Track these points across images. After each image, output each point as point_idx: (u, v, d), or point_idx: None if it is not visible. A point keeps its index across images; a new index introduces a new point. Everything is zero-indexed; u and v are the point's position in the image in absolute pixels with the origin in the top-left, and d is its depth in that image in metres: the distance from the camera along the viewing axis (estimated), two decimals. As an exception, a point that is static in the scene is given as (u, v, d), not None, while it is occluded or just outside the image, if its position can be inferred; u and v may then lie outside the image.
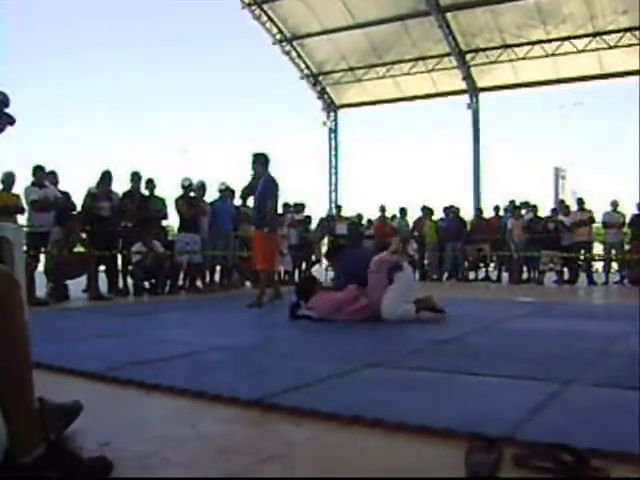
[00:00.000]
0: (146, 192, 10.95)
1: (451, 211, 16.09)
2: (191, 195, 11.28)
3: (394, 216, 17.00)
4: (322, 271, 15.18)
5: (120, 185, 10.73)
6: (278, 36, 21.78)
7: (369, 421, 2.43)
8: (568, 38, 18.92)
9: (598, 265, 15.97)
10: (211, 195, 12.04)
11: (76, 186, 10.29)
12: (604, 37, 18.52)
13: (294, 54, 22.51)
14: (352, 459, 2.13)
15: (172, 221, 12.20)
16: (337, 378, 3.30)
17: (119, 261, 10.47)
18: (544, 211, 15.32)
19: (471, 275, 16.02)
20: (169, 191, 11.59)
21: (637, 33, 18.07)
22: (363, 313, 6.23)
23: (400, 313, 6.13)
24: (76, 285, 9.55)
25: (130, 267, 10.40)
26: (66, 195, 9.73)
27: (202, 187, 11.60)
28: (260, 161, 8.33)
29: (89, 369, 3.46)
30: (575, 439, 2.10)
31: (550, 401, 2.78)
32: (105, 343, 4.73)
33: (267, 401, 2.74)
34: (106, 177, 10.28)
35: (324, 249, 16.73)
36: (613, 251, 14.42)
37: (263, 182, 8.21)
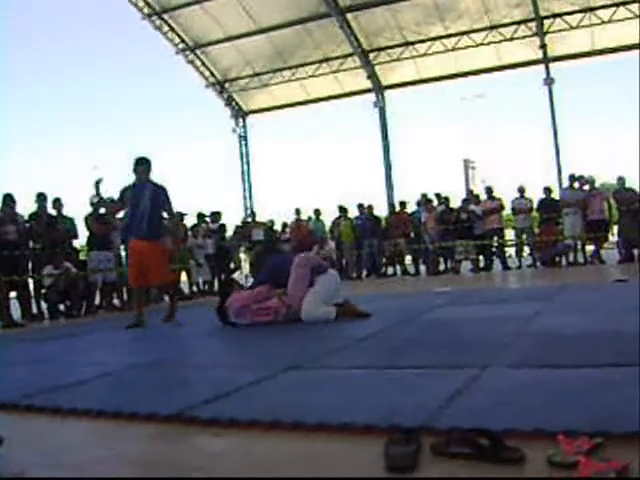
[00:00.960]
0: (53, 212, 10.63)
1: (365, 209, 16.27)
2: (101, 212, 11.00)
3: (310, 218, 17.06)
4: (242, 278, 15.12)
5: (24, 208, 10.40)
6: (181, 45, 21.51)
7: (288, 424, 2.42)
8: (466, 32, 19.41)
9: (511, 250, 16.41)
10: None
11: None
12: (500, 30, 19.09)
13: (198, 62, 22.29)
14: (272, 464, 2.11)
15: (82, 240, 11.92)
16: (256, 385, 3.27)
17: (30, 285, 10.13)
18: (457, 202, 15.67)
19: (389, 270, 16.22)
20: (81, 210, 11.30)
21: (531, 25, 18.70)
22: (275, 313, 6.21)
23: (319, 315, 6.09)
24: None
25: (43, 290, 10.07)
26: None
27: (111, 202, 11.30)
28: (147, 167, 7.50)
29: (1, 399, 3.32)
30: (491, 422, 2.15)
31: (467, 387, 2.83)
32: (18, 371, 4.55)
33: (185, 414, 2.69)
34: (7, 200, 9.90)
35: (243, 256, 16.69)
36: (524, 236, 14.86)
37: (154, 189, 7.45)
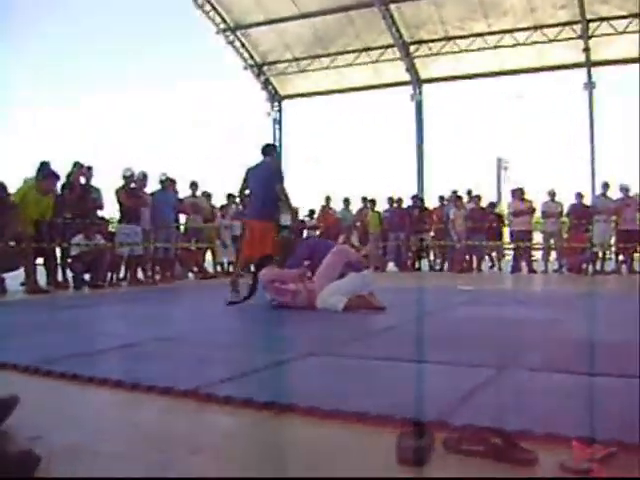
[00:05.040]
0: (82, 180, 10.73)
1: (394, 202, 16.23)
2: (132, 186, 11.10)
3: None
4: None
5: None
6: (222, 25, 21.56)
7: (303, 409, 2.43)
8: (509, 31, 19.21)
9: (538, 254, 16.29)
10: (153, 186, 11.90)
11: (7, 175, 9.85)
12: (544, 30, 18.86)
13: (238, 44, 22.33)
14: (284, 447, 2.13)
15: (110, 212, 12.04)
16: (274, 367, 3.29)
17: (58, 253, 10.24)
18: (489, 199, 15.61)
19: (414, 265, 16.18)
20: (108, 181, 11.42)
21: (576, 27, 18.46)
22: (292, 296, 6.22)
23: (330, 303, 6.06)
24: (14, 278, 9.31)
25: (69, 259, 10.18)
26: (0, 185, 9.38)
27: (143, 177, 11.42)
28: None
29: (23, 362, 3.37)
30: (506, 422, 2.14)
31: (484, 386, 2.83)
32: (41, 336, 4.61)
33: (202, 391, 2.72)
34: (44, 167, 10.00)
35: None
36: (552, 240, 14.72)
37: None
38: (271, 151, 8.25)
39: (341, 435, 2.22)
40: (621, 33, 18.05)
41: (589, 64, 19.04)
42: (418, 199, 16.87)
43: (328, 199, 16.79)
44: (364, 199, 16.71)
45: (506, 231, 15.58)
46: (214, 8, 21.02)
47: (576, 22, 18.34)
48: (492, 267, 14.93)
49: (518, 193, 14.80)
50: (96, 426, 2.36)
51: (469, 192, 15.78)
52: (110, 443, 2.15)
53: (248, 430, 2.35)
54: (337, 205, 17.13)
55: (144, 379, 2.93)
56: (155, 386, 2.81)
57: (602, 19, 18.11)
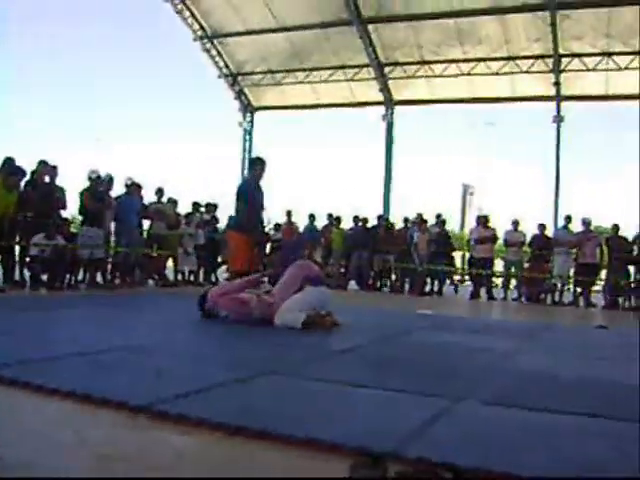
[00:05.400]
0: (47, 179, 10.57)
1: (360, 220, 16.29)
2: (97, 188, 10.97)
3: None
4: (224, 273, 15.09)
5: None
6: (199, 32, 21.53)
7: (256, 432, 2.41)
8: (484, 59, 19.51)
9: (498, 281, 16.46)
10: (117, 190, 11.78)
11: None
12: (517, 62, 19.18)
13: (214, 52, 22.30)
14: (235, 472, 2.10)
15: (71, 212, 11.89)
16: (230, 385, 3.26)
17: (17, 251, 10.06)
18: (452, 225, 15.75)
19: (376, 285, 16.22)
20: (72, 182, 11.28)
21: (548, 61, 18.80)
22: (246, 308, 6.17)
23: (287, 319, 5.98)
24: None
25: (28, 258, 10.01)
26: None
27: (109, 181, 11.31)
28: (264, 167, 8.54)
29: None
30: (460, 457, 2.14)
31: (439, 418, 2.82)
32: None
33: (156, 408, 2.67)
34: (8, 163, 9.85)
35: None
36: (513, 268, 14.88)
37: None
38: (252, 165, 8.48)
39: (293, 460, 2.20)
40: (591, 70, 18.43)
41: (559, 98, 19.39)
42: (383, 219, 16.95)
43: (289, 213, 16.74)
44: (329, 215, 16.76)
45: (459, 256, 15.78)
46: (192, 15, 20.99)
47: (549, 56, 18.69)
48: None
49: (482, 220, 14.96)
50: (42, 439, 2.30)
51: (438, 216, 15.91)
52: (55, 459, 2.09)
53: (199, 451, 2.32)
54: (302, 220, 17.14)
55: (97, 391, 2.88)
56: (109, 400, 2.76)
57: (574, 55, 18.49)
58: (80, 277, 11.21)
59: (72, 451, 2.19)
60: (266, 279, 6.76)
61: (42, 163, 10.47)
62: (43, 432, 2.40)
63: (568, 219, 14.36)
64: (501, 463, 2.13)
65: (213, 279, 14.54)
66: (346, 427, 2.56)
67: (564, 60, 18.65)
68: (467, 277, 16.50)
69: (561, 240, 14.10)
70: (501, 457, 2.23)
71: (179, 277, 13.78)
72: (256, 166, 8.58)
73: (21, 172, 9.67)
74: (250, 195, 8.36)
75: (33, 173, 10.39)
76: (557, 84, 18.96)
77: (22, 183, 10.00)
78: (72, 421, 2.55)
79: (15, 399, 2.89)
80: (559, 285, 14.29)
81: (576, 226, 14.17)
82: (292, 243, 7.56)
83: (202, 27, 21.39)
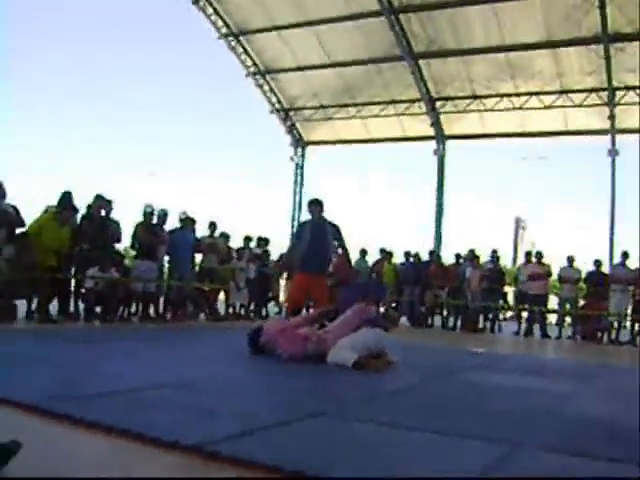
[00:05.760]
0: (102, 213, 10.76)
1: (411, 256, 16.20)
2: (152, 222, 11.13)
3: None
4: (276, 307, 15.09)
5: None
6: (252, 69, 21.87)
7: (309, 477, 2.35)
8: (536, 93, 19.34)
9: (552, 318, 16.14)
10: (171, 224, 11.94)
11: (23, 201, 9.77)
12: (570, 95, 18.96)
13: (267, 88, 22.60)
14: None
15: (125, 245, 12.04)
16: (283, 426, 3.21)
17: (72, 284, 10.23)
18: (505, 260, 15.57)
19: (428, 321, 16.04)
20: (126, 216, 11.47)
21: (602, 94, 18.55)
22: (303, 344, 6.11)
23: (339, 358, 5.91)
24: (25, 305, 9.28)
25: (83, 291, 10.17)
26: (15, 209, 9.28)
27: (164, 215, 11.48)
28: (321, 207, 8.67)
29: (24, 400, 3.31)
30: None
31: (499, 466, 2.72)
32: (48, 372, 4.54)
33: (207, 448, 2.64)
34: (66, 198, 10.07)
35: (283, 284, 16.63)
36: (568, 306, 14.57)
37: (331, 227, 8.60)
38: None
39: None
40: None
41: (614, 131, 19.08)
42: (435, 255, 16.81)
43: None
44: (382, 250, 16.66)
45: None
46: (246, 51, 21.34)
47: (602, 89, 18.43)
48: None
49: (537, 256, 14.73)
50: (92, 477, 2.28)
51: (494, 251, 15.71)
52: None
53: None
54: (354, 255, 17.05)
55: (146, 429, 2.85)
56: (159, 438, 2.74)
57: (628, 87, 18.20)
58: (133, 310, 11.33)
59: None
60: (325, 317, 6.72)
61: (98, 197, 10.67)
62: (91, 470, 2.38)
63: (625, 255, 14.02)
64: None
65: (263, 313, 14.56)
66: (400, 474, 2.49)
67: (618, 93, 18.36)
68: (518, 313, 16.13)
69: (618, 277, 13.77)
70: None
71: (230, 311, 13.83)
72: (309, 206, 8.76)
73: (74, 209, 9.87)
74: (298, 234, 8.78)
75: (89, 207, 10.59)
76: (611, 117, 18.65)
77: (78, 217, 10.21)
78: (122, 460, 2.53)
79: (64, 435, 2.88)
80: (616, 323, 13.93)
81: (634, 262, 13.83)
82: (357, 286, 7.55)
83: (255, 63, 21.72)
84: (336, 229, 8.62)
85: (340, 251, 8.82)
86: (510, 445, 3.08)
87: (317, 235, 8.52)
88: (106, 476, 2.29)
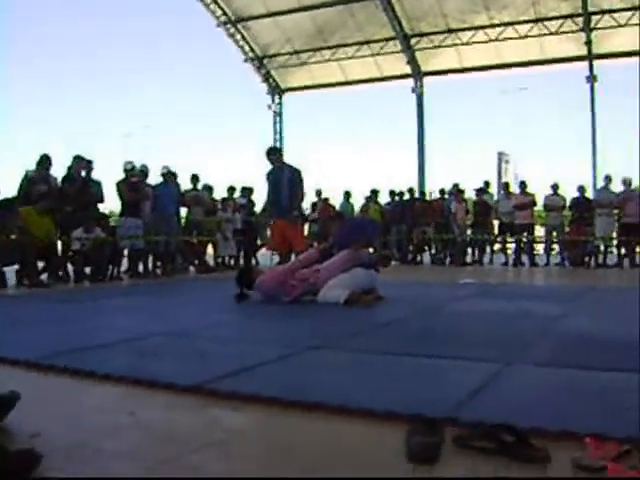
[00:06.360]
0: (83, 174, 10.66)
1: (396, 195, 16.20)
2: (133, 179, 11.05)
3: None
4: (267, 256, 15.10)
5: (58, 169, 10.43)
6: (222, 18, 21.48)
7: (309, 404, 2.40)
8: (511, 24, 19.14)
9: (540, 247, 16.25)
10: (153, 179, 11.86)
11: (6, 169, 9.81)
12: (545, 23, 18.78)
13: (238, 36, 22.24)
14: (291, 443, 2.09)
15: (110, 205, 11.99)
16: (278, 362, 3.26)
17: (59, 247, 10.18)
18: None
19: (416, 258, 16.14)
20: (108, 174, 11.37)
21: (577, 20, 18.38)
22: (302, 286, 6.18)
23: (329, 297, 6.01)
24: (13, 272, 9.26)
25: (70, 253, 10.13)
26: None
27: (144, 171, 11.39)
28: (278, 154, 8.96)
29: (23, 357, 3.33)
30: (517, 419, 2.10)
31: (492, 381, 2.79)
32: (42, 331, 4.56)
33: (206, 387, 2.68)
34: (44, 160, 9.96)
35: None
36: (554, 233, 14.66)
37: (289, 173, 8.65)
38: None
39: (348, 432, 2.19)
40: (623, 26, 17.95)
41: (591, 57, 18.98)
42: (419, 192, 16.83)
43: (319, 192, 16.62)
44: (372, 191, 16.60)
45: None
46: (215, 1, 20.93)
47: (578, 15, 18.26)
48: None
49: (522, 186, 14.77)
50: (98, 423, 2.31)
51: (487, 183, 15.85)
52: (112, 441, 2.10)
53: (254, 426, 2.32)
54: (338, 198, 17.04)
55: (147, 374, 2.90)
56: (158, 381, 2.78)
57: (604, 12, 18.03)
58: (123, 268, 11.31)
59: (125, 433, 2.19)
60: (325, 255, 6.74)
61: (77, 158, 10.56)
62: (96, 416, 2.42)
63: (608, 179, 14.03)
64: (560, 422, 2.10)
65: (254, 262, 14.58)
66: (399, 395, 2.54)
67: (594, 18, 18.19)
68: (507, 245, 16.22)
69: (602, 201, 13.81)
70: (557, 417, 2.19)
71: (219, 262, 13.84)
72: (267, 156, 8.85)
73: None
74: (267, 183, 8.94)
75: (69, 169, 10.50)
76: (588, 43, 18.51)
77: (59, 179, 10.16)
78: (125, 404, 2.56)
79: (67, 386, 2.92)
80: (602, 247, 14.05)
81: (617, 186, 13.88)
82: (352, 224, 7.58)
83: (225, 13, 21.31)
84: (297, 173, 8.71)
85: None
86: (503, 364, 3.14)
87: (276, 182, 8.68)
88: (110, 421, 2.32)
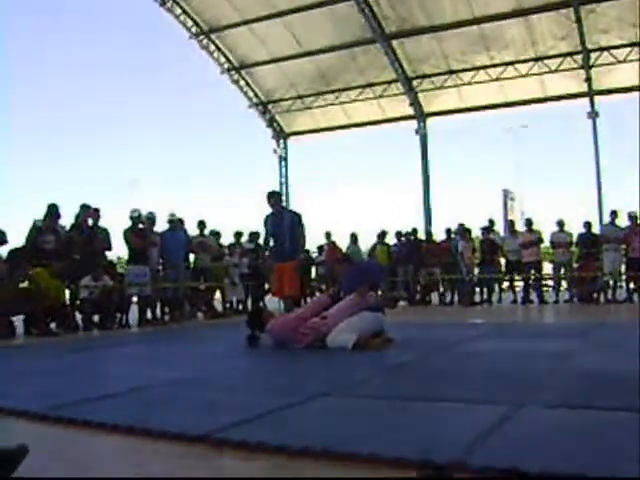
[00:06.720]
0: (90, 222, 10.74)
1: (403, 235, 16.22)
2: (140, 226, 11.12)
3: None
4: (275, 300, 15.08)
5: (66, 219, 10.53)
6: (226, 65, 21.78)
7: (317, 452, 2.38)
8: (511, 63, 19.33)
9: (549, 284, 16.20)
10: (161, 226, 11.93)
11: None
12: (546, 61, 18.97)
13: (242, 83, 22.53)
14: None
15: (118, 253, 12.05)
16: (287, 410, 3.23)
17: (67, 296, 10.22)
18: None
19: (424, 299, 16.09)
20: (116, 223, 11.45)
21: (577, 57, 18.56)
22: (312, 334, 6.17)
23: (338, 342, 5.97)
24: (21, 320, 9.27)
25: (78, 302, 10.16)
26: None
27: (151, 218, 11.47)
28: (279, 198, 9.10)
29: (30, 409, 3.33)
30: (526, 462, 2.08)
31: (501, 425, 2.76)
32: (50, 381, 4.56)
33: (214, 436, 2.66)
34: (52, 210, 10.06)
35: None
36: (562, 270, 14.63)
37: (289, 217, 8.83)
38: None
39: (357, 477, 2.17)
40: (622, 62, 18.13)
41: (591, 93, 19.11)
42: (426, 233, 16.85)
43: (329, 235, 16.69)
44: (380, 233, 16.61)
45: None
46: (218, 48, 21.25)
47: (577, 52, 18.45)
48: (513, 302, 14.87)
49: (527, 224, 14.79)
50: (106, 475, 2.30)
51: (491, 221, 15.82)
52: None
53: (263, 474, 2.30)
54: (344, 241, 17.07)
55: (154, 425, 2.88)
56: (166, 432, 2.76)
57: (602, 49, 18.22)
58: (130, 316, 11.32)
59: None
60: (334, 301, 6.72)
61: (84, 207, 10.66)
62: (104, 468, 2.41)
63: (614, 214, 14.06)
64: (571, 466, 2.07)
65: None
66: (408, 440, 2.51)
67: (593, 55, 18.37)
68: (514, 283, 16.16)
69: (609, 236, 13.81)
70: (570, 460, 2.17)
71: (227, 307, 13.83)
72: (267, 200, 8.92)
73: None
74: (265, 228, 9.07)
75: (77, 217, 10.58)
76: (588, 79, 18.66)
77: (66, 227, 10.25)
78: (133, 456, 2.55)
79: (74, 438, 2.90)
80: (611, 282, 14.00)
81: (623, 221, 13.88)
82: (359, 268, 7.54)
83: (229, 60, 21.61)
84: (298, 218, 8.86)
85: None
86: (512, 406, 3.11)
87: (277, 225, 8.78)
88: (119, 474, 2.31)
